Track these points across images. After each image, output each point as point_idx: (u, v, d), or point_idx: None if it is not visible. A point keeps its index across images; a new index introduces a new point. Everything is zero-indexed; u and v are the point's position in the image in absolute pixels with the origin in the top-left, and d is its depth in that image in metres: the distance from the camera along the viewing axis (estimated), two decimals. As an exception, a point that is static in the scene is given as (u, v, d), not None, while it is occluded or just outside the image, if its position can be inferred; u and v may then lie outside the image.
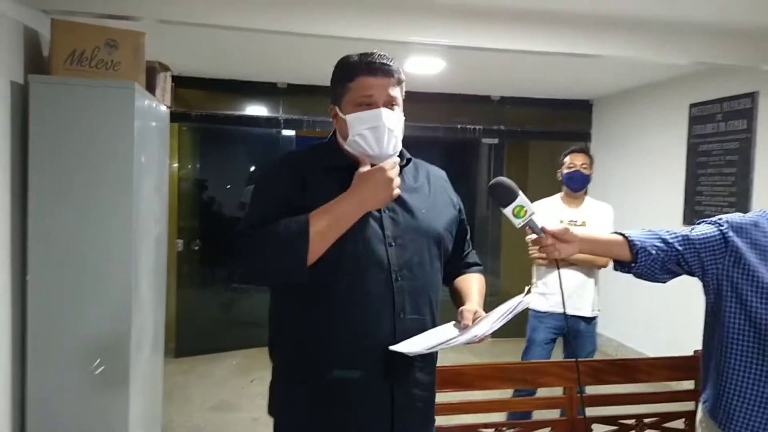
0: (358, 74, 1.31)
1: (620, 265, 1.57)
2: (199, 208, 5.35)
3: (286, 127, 5.24)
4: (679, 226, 4.24)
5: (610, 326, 5.31)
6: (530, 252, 2.97)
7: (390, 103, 1.32)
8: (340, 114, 1.35)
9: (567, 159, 3.11)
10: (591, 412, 2.06)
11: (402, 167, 1.40)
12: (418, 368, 1.34)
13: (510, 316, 1.28)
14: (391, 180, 1.27)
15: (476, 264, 1.59)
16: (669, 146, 4.64)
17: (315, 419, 1.31)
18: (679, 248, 1.51)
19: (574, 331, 3.01)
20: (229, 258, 4.72)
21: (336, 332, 1.28)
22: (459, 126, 5.43)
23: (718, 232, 1.50)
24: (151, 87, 2.56)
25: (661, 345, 4.55)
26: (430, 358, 1.38)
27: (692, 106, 4.38)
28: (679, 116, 4.52)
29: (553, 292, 2.98)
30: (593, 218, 3.03)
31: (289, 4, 2.83)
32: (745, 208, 3.83)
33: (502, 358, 3.07)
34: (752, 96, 3.81)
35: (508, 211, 1.37)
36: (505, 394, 2.64)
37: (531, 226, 1.40)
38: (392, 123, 1.32)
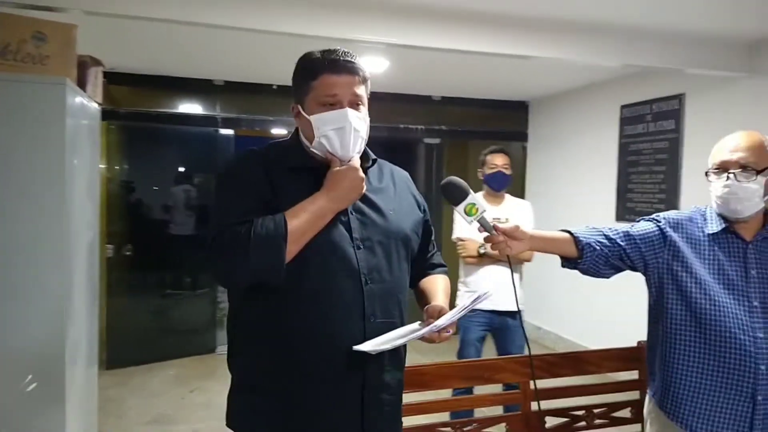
0: (322, 72, 1.26)
1: (567, 262, 1.63)
2: (129, 212, 5.08)
3: (223, 126, 5.07)
4: (612, 222, 4.45)
5: (549, 320, 5.50)
6: (459, 250, 3.06)
7: (355, 103, 1.28)
8: (304, 113, 1.29)
9: (488, 159, 3.14)
10: (543, 405, 2.10)
11: (367, 168, 1.37)
12: (387, 371, 1.31)
13: (469, 309, 1.29)
14: (362, 179, 1.25)
15: (441, 265, 1.58)
16: (601, 146, 4.85)
17: (280, 429, 1.26)
18: (622, 244, 1.59)
19: (503, 326, 3.06)
20: (163, 263, 4.50)
21: (303, 337, 1.23)
22: (402, 126, 5.44)
23: (657, 228, 1.60)
24: (81, 83, 2.38)
25: (599, 336, 4.75)
26: (397, 361, 1.36)
27: (623, 107, 4.59)
28: (610, 117, 4.73)
29: (479, 288, 2.99)
30: (514, 215, 3.08)
31: (227, -1, 2.73)
32: (674, 205, 4.05)
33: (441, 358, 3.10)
34: (679, 98, 4.04)
35: (460, 209, 1.40)
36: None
37: (482, 223, 1.44)
38: (358, 123, 1.28)
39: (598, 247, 1.57)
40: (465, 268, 3.11)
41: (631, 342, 2.31)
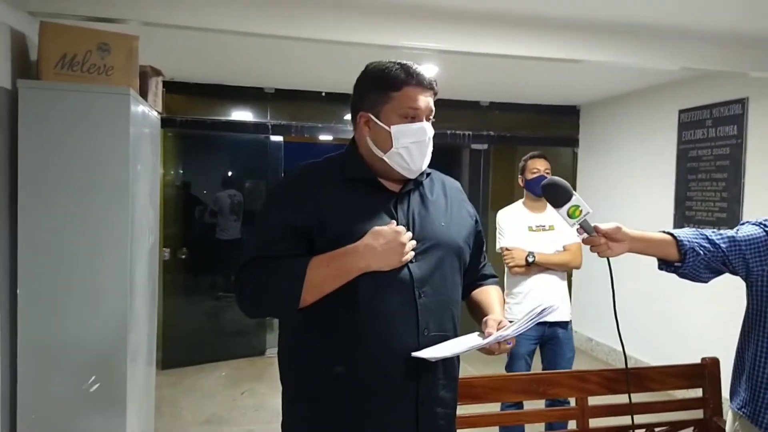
0: (407, 84, 1.27)
1: (665, 265, 1.55)
2: (184, 216, 5.24)
3: (274, 133, 5.16)
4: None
5: (601, 331, 5.35)
6: (506, 260, 2.98)
7: (429, 117, 1.31)
8: (379, 123, 1.29)
9: (529, 164, 3.07)
10: (600, 422, 2.03)
11: (421, 181, 1.38)
12: (441, 386, 1.30)
13: (535, 321, 1.27)
14: (403, 245, 1.21)
15: (492, 276, 1.55)
16: (658, 152, 4.68)
17: None
18: (724, 248, 1.49)
19: (553, 338, 2.97)
20: (216, 267, 4.61)
21: (357, 350, 1.23)
22: (449, 131, 5.41)
23: (764, 233, 1.49)
24: (143, 92, 2.47)
25: (654, 349, 4.59)
26: (452, 375, 1.34)
27: (681, 111, 4.42)
28: (668, 122, 4.57)
29: (528, 299, 2.93)
30: (559, 222, 2.95)
31: (278, 8, 2.78)
32: (736, 214, 3.87)
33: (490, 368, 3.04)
34: (742, 102, 3.86)
35: (563, 211, 1.36)
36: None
37: (584, 225, 1.38)
38: (432, 137, 1.31)
39: (701, 252, 1.48)
40: (511, 279, 3.03)
41: (689, 358, 2.21)
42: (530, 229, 2.99)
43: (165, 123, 4.67)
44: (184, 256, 4.92)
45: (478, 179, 5.90)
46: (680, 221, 4.40)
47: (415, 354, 1.20)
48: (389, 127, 1.27)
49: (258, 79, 4.87)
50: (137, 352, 2.33)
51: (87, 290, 2.08)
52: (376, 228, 1.22)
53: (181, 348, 4.86)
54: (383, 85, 1.29)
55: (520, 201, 3.16)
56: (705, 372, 2.14)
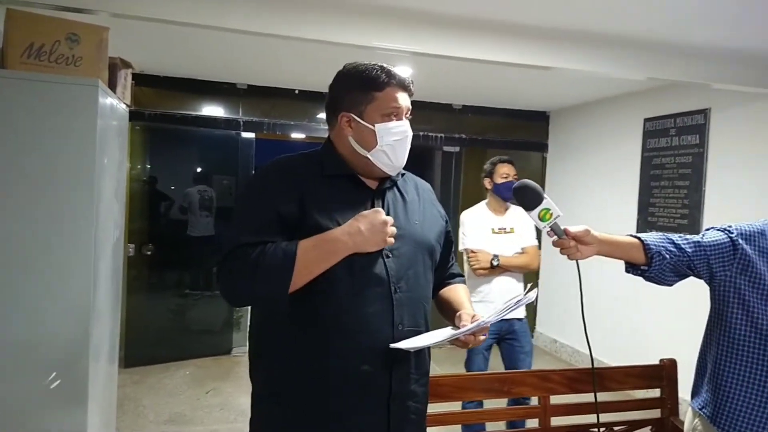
0: (389, 85, 1.32)
1: (632, 268, 1.58)
2: (150, 212, 5.14)
3: (245, 130, 5.11)
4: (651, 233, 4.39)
5: (566, 333, 5.46)
6: (471, 262, 3.05)
7: (407, 116, 1.36)
8: (363, 122, 1.32)
9: (498, 168, 3.15)
10: (562, 421, 2.08)
11: (397, 180, 1.41)
12: (413, 380, 1.32)
13: (512, 310, 1.31)
14: (386, 224, 1.25)
15: (460, 275, 1.59)
16: (623, 158, 4.81)
17: None
18: (689, 252, 1.53)
19: (511, 332, 3.06)
20: (182, 263, 4.53)
21: (331, 344, 1.24)
22: (421, 133, 5.45)
23: (728, 239, 1.54)
24: (112, 84, 2.42)
25: (617, 351, 4.70)
26: (423, 369, 1.37)
27: (646, 120, 4.55)
28: (633, 130, 4.69)
29: (490, 300, 3.02)
30: (519, 225, 3.11)
31: (254, 4, 2.76)
32: (697, 220, 4.00)
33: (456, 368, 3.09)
34: (704, 112, 3.99)
35: (534, 214, 1.38)
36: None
37: (554, 228, 1.40)
38: (411, 136, 1.36)
39: (667, 256, 1.52)
40: (472, 280, 3.06)
41: (649, 359, 2.28)
42: (493, 231, 3.09)
43: (133, 116, 4.56)
44: (149, 252, 4.84)
45: (450, 181, 5.95)
46: (643, 226, 4.52)
47: (393, 345, 1.23)
48: (374, 126, 1.30)
49: (231, 75, 4.82)
50: (100, 350, 2.29)
51: (49, 286, 2.02)
52: (361, 213, 1.27)
53: (145, 346, 4.77)
54: (366, 86, 1.32)
55: (484, 203, 3.23)
56: (663, 373, 2.21)
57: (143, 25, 2.90)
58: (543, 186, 5.90)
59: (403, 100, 1.34)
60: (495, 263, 2.98)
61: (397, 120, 1.32)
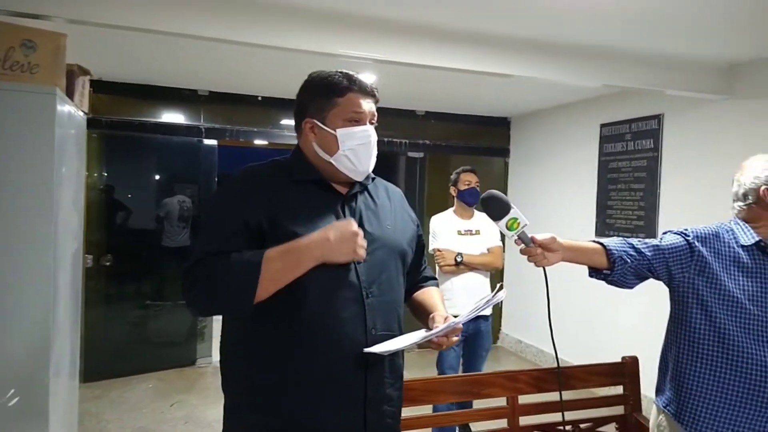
0: (350, 90, 1.33)
1: (595, 272, 1.63)
2: (108, 222, 5.01)
3: (207, 137, 5.04)
4: (591, 237, 4.52)
5: (530, 333, 5.55)
6: (437, 261, 3.31)
7: (372, 121, 1.36)
8: (325, 128, 1.32)
9: (462, 177, 3.43)
10: (529, 420, 2.12)
11: (367, 185, 1.42)
12: (388, 384, 1.33)
13: (483, 310, 1.32)
14: (356, 235, 1.24)
15: (432, 278, 1.61)
16: (582, 163, 4.94)
17: None
18: (649, 256, 1.59)
19: (476, 330, 3.30)
20: (143, 274, 4.43)
21: (304, 350, 1.24)
22: (386, 139, 5.48)
23: (685, 242, 1.60)
24: (69, 92, 2.37)
25: (580, 350, 4.81)
26: (397, 373, 1.38)
27: (603, 125, 4.69)
28: (590, 135, 4.83)
29: (456, 296, 3.25)
30: (484, 227, 3.38)
31: (213, 10, 2.74)
32: (652, 222, 4.14)
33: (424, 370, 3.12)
34: (658, 118, 4.14)
35: (501, 224, 1.40)
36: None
37: (522, 237, 1.43)
38: (375, 140, 1.36)
39: (628, 260, 1.57)
40: (441, 277, 3.31)
41: (611, 357, 2.35)
42: (459, 233, 3.36)
43: (90, 124, 4.44)
44: (108, 263, 4.70)
45: (414, 186, 6.00)
46: (601, 228, 4.65)
47: (367, 349, 1.23)
48: (335, 131, 1.31)
49: (191, 81, 4.75)
50: (60, 364, 2.22)
51: (7, 300, 1.96)
52: (333, 223, 1.27)
53: (106, 359, 4.63)
54: (328, 92, 1.33)
55: (451, 209, 3.52)
56: (625, 370, 2.28)
57: (101, 31, 2.83)
58: (505, 190, 6.02)
59: (366, 105, 1.34)
60: (459, 260, 3.24)
61: (359, 125, 1.33)
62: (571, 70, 3.45)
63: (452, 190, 3.46)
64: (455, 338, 1.30)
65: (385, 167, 6.68)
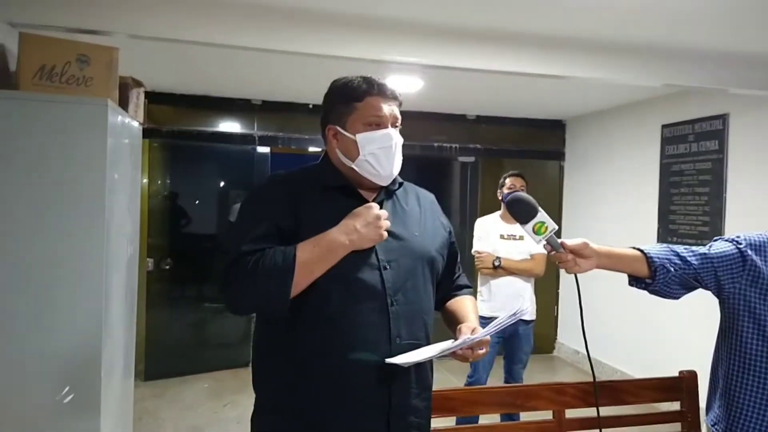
0: (368, 94, 1.32)
1: (635, 281, 1.53)
2: (169, 226, 5.21)
3: (260, 144, 5.16)
4: (651, 244, 4.32)
5: (589, 344, 5.35)
6: (476, 263, 3.38)
7: (395, 124, 1.34)
8: (346, 133, 1.32)
9: (507, 181, 3.48)
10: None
11: (394, 191, 1.40)
12: (413, 394, 1.30)
13: (504, 326, 1.28)
14: (379, 218, 1.25)
15: (467, 286, 1.57)
16: (642, 166, 4.73)
17: None
18: (695, 265, 1.48)
19: (514, 333, 3.31)
20: (201, 277, 4.59)
21: (328, 358, 1.23)
22: (436, 144, 5.44)
23: (736, 250, 1.48)
24: (124, 103, 2.47)
25: (642, 363, 4.60)
26: (424, 383, 1.34)
27: (664, 127, 4.47)
28: (651, 137, 4.61)
29: (494, 298, 3.34)
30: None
31: (266, 21, 2.79)
32: (718, 227, 3.90)
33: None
34: (723, 118, 3.91)
35: (528, 227, 1.35)
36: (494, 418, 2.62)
37: (551, 242, 1.37)
38: (399, 143, 1.34)
39: (672, 269, 1.46)
40: (481, 279, 3.41)
41: (674, 370, 2.21)
42: (501, 237, 3.38)
43: (150, 133, 4.68)
44: (168, 267, 4.89)
45: (467, 191, 5.93)
46: (664, 235, 4.43)
47: (388, 360, 1.21)
48: (355, 136, 1.30)
49: (245, 91, 4.88)
50: (113, 364, 2.30)
51: (61, 301, 2.05)
52: (355, 210, 1.27)
53: (165, 359, 4.82)
54: (347, 97, 1.33)
55: (498, 212, 3.53)
56: (683, 385, 2.14)
57: (158, 45, 2.95)
58: (560, 195, 5.85)
59: (387, 108, 1.32)
60: (497, 264, 3.29)
61: (380, 129, 1.31)
62: (629, 69, 3.30)
63: (498, 194, 3.52)
64: (481, 351, 1.26)
65: (438, 172, 6.66)
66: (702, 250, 1.51)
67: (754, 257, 1.46)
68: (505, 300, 3.24)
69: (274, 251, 1.20)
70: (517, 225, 3.24)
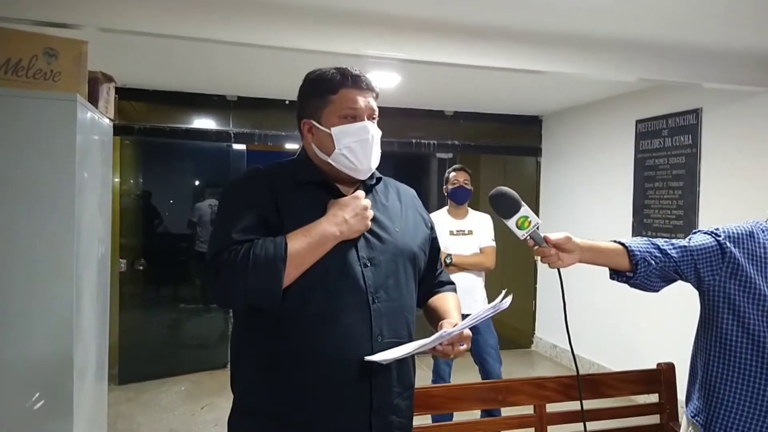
0: (342, 87, 1.28)
1: (617, 275, 1.53)
2: (143, 226, 5.10)
3: (236, 141, 5.09)
4: (628, 238, 4.37)
5: (566, 338, 5.40)
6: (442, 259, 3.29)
7: (371, 117, 1.31)
8: (321, 127, 1.28)
9: (451, 176, 3.45)
10: (559, 429, 2.03)
11: (373, 186, 1.37)
12: (395, 393, 1.28)
13: (482, 319, 1.25)
14: (365, 209, 1.24)
15: (449, 283, 1.55)
16: (617, 161, 4.78)
17: None
18: (675, 257, 1.48)
19: (473, 328, 3.25)
20: (176, 278, 4.52)
21: (309, 357, 1.20)
22: (414, 140, 5.42)
23: (716, 243, 1.48)
24: (93, 99, 2.39)
25: (618, 356, 4.66)
26: (406, 382, 1.32)
27: (638, 122, 4.52)
28: (626, 132, 4.66)
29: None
30: (477, 227, 3.39)
31: (241, 15, 2.73)
32: (692, 221, 3.96)
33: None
34: (696, 112, 3.97)
35: (511, 222, 1.33)
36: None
37: (534, 237, 1.36)
38: (377, 136, 1.30)
39: (653, 262, 1.46)
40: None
41: (651, 362, 2.23)
42: (451, 233, 3.36)
43: (121, 130, 4.57)
44: (141, 267, 4.78)
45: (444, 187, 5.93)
46: (639, 228, 4.48)
47: (368, 358, 1.18)
48: (330, 130, 1.27)
49: (220, 87, 4.79)
50: (85, 368, 2.24)
51: (31, 303, 1.98)
52: (338, 200, 1.25)
53: (140, 362, 4.71)
54: (321, 90, 1.29)
55: (445, 208, 3.53)
56: (661, 377, 2.17)
57: (129, 39, 2.87)
58: (537, 190, 5.89)
59: (363, 100, 1.28)
60: (448, 261, 3.22)
61: (356, 121, 1.28)
62: (604, 64, 3.32)
63: (444, 190, 3.51)
64: (463, 347, 1.23)
65: (416, 169, 6.65)
66: (682, 242, 1.52)
67: (733, 249, 1.46)
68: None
69: (263, 241, 1.16)
70: (466, 220, 3.33)
